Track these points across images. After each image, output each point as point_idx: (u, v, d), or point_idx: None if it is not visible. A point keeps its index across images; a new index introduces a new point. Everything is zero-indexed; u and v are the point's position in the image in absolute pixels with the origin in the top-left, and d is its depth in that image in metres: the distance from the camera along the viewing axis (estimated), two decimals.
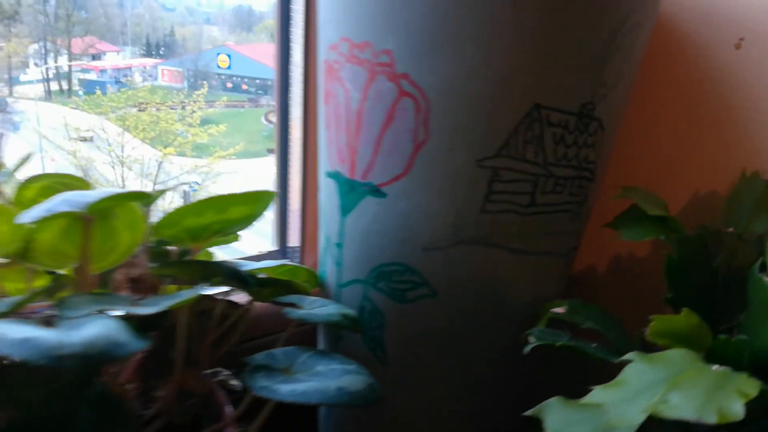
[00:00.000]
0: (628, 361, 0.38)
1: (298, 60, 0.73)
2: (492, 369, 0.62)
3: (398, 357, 0.60)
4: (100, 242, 0.45)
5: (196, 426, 0.52)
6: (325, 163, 0.61)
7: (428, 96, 0.49)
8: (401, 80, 0.50)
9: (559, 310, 0.53)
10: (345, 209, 0.58)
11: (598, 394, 0.36)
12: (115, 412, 0.36)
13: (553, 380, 0.71)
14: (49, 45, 5.21)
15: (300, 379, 0.46)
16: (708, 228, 0.51)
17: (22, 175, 0.51)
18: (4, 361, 0.33)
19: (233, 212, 0.49)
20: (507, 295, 0.58)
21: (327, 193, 0.61)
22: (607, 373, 0.38)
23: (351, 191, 0.57)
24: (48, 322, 0.34)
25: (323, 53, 0.57)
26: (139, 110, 4.54)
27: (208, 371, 0.56)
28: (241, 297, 0.57)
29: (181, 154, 4.43)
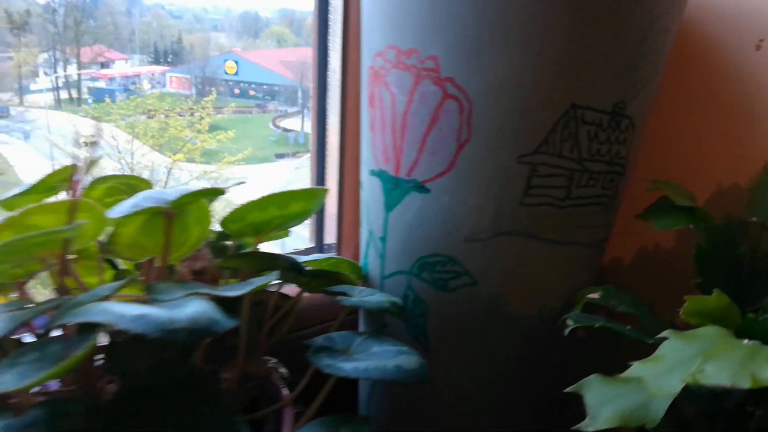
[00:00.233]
0: (662, 339, 0.39)
1: (336, 67, 0.77)
2: (528, 352, 0.65)
3: (440, 343, 0.63)
4: (176, 236, 0.49)
5: (254, 407, 0.55)
6: (369, 162, 0.65)
7: (471, 98, 0.53)
8: (446, 84, 0.53)
9: (595, 295, 0.56)
10: (389, 205, 0.62)
11: (636, 369, 0.38)
12: (206, 385, 0.40)
13: (579, 366, 0.74)
14: (58, 54, 5.25)
15: (359, 359, 0.50)
16: (733, 218, 0.54)
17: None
18: (118, 338, 0.37)
19: (293, 207, 0.53)
20: (542, 283, 0.61)
21: (370, 191, 0.65)
22: (635, 358, 0.39)
23: (395, 188, 0.61)
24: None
25: (368, 60, 0.61)
26: (148, 117, 4.58)
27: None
28: (291, 289, 0.61)
29: (190, 160, 4.47)
